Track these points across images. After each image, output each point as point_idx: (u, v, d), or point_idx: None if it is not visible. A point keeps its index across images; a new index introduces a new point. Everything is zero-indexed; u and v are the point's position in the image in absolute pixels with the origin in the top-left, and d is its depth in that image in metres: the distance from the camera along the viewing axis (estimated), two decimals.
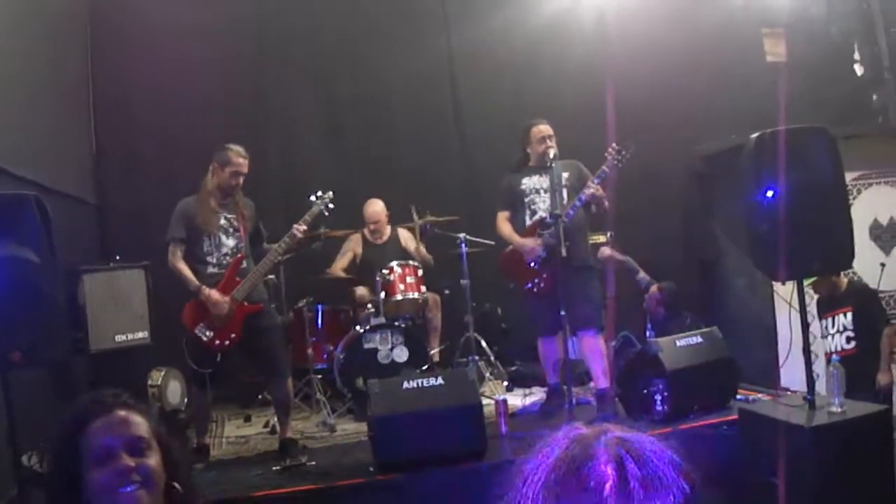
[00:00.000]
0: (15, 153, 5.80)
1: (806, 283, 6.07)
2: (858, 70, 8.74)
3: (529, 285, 6.43)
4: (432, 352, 7.50)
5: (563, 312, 5.79)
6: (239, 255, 5.88)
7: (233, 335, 5.75)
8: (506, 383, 7.79)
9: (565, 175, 6.32)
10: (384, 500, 5.15)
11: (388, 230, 7.97)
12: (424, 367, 6.92)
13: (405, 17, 9.13)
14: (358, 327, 7.09)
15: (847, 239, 4.86)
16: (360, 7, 8.97)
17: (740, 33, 8.69)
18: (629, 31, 8.63)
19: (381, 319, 7.04)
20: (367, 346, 6.96)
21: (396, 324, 7.04)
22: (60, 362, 5.61)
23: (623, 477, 1.24)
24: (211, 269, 5.85)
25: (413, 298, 7.30)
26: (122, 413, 2.15)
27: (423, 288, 7.40)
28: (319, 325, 7.48)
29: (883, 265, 7.40)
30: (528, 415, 6.67)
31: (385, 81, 8.97)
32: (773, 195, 4.72)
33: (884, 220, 7.79)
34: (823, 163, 4.82)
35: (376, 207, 7.84)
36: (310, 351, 7.11)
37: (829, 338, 6.56)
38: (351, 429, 6.64)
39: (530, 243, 6.36)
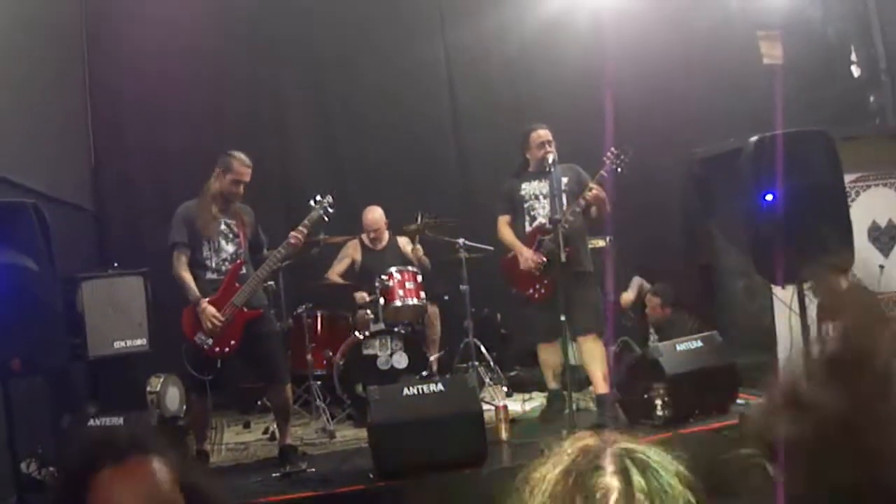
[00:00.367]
0: (14, 161, 5.80)
1: (807, 286, 6.07)
2: (855, 72, 8.74)
3: (530, 291, 6.42)
4: (432, 358, 7.48)
5: (563, 318, 5.77)
6: (238, 261, 5.87)
7: (232, 342, 5.73)
8: (505, 389, 7.78)
9: (564, 180, 6.30)
10: None
11: (386, 236, 7.95)
12: (424, 373, 6.91)
13: (401, 23, 9.15)
14: (357, 333, 7.07)
15: (847, 242, 4.86)
16: (356, 13, 8.97)
17: (736, 36, 8.69)
18: (625, 34, 8.63)
19: (381, 325, 7.03)
20: (366, 352, 6.95)
21: (396, 330, 7.03)
22: (59, 369, 5.60)
23: (628, 488, 1.24)
24: (210, 275, 5.84)
25: (412, 304, 7.27)
26: (138, 463, 1.76)
27: (423, 294, 7.38)
28: (319, 332, 7.47)
29: (882, 267, 7.39)
30: (528, 421, 6.65)
31: (382, 87, 8.97)
32: (773, 199, 4.72)
33: (882, 222, 7.78)
34: (822, 166, 4.83)
35: (375, 215, 7.82)
36: (309, 357, 7.09)
37: None
38: (350, 435, 6.63)
39: (528, 254, 6.34)
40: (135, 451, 1.76)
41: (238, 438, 6.99)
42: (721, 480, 1.35)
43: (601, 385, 6.36)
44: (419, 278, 7.41)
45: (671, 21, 8.58)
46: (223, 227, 5.88)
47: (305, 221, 5.97)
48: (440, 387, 5.42)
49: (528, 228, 6.45)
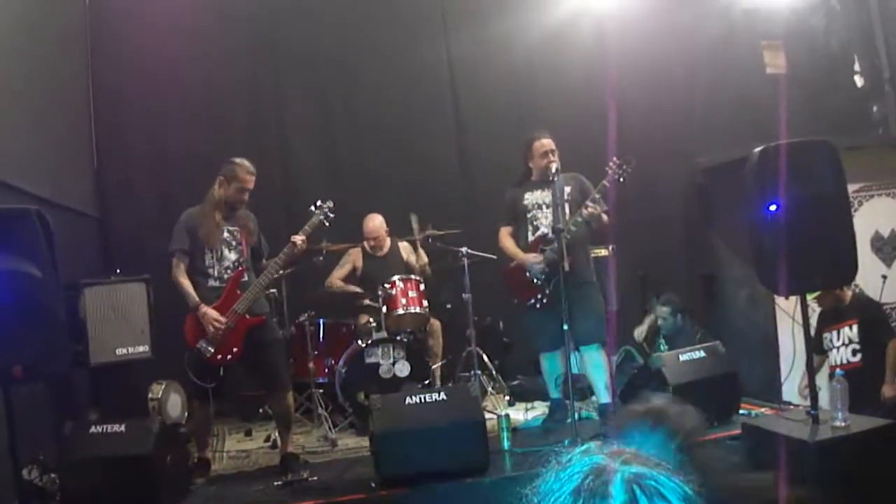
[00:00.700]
0: (17, 167, 5.80)
1: (810, 297, 6.07)
2: (858, 81, 8.75)
3: (532, 301, 6.42)
4: (434, 366, 7.46)
5: (565, 327, 5.77)
6: (240, 269, 5.87)
7: (235, 349, 5.73)
8: (508, 398, 7.77)
9: (567, 189, 6.30)
10: None
11: (388, 243, 7.93)
12: (426, 382, 6.90)
13: (404, 29, 9.14)
14: (360, 341, 7.06)
15: (850, 253, 4.86)
16: (359, 19, 8.96)
17: (740, 45, 8.70)
18: (629, 43, 8.64)
19: (383, 334, 7.02)
20: (368, 360, 6.94)
21: (398, 338, 7.02)
22: (61, 376, 5.60)
23: None
24: (212, 283, 5.84)
25: (415, 313, 7.26)
26: None
27: (425, 302, 7.38)
28: (321, 340, 7.46)
29: (885, 277, 7.39)
30: (530, 430, 6.64)
31: (384, 94, 8.97)
32: (776, 209, 4.72)
33: (885, 233, 7.78)
34: (826, 176, 4.82)
35: (375, 223, 7.80)
36: (311, 365, 7.09)
37: (835, 351, 6.54)
38: (352, 443, 6.62)
39: (532, 258, 6.34)
40: None
41: (240, 446, 6.98)
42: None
43: (603, 394, 6.36)
44: (422, 287, 7.41)
45: (675, 30, 8.59)
46: (226, 234, 5.89)
47: (306, 227, 5.97)
48: (442, 396, 5.42)
49: (530, 238, 6.45)
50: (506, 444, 5.89)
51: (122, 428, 5.17)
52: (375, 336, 7.01)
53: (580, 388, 6.83)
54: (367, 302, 7.56)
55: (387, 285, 7.20)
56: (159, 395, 7.08)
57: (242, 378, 6.45)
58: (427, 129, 9.16)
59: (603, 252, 7.83)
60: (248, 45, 8.72)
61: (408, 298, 7.26)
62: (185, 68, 8.19)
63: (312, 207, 6.08)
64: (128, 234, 8.20)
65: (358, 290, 7.67)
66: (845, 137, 6.99)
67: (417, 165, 8.92)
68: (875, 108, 8.64)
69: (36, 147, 6.49)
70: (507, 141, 7.58)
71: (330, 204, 6.07)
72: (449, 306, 8.13)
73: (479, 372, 7.50)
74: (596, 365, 6.36)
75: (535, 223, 6.45)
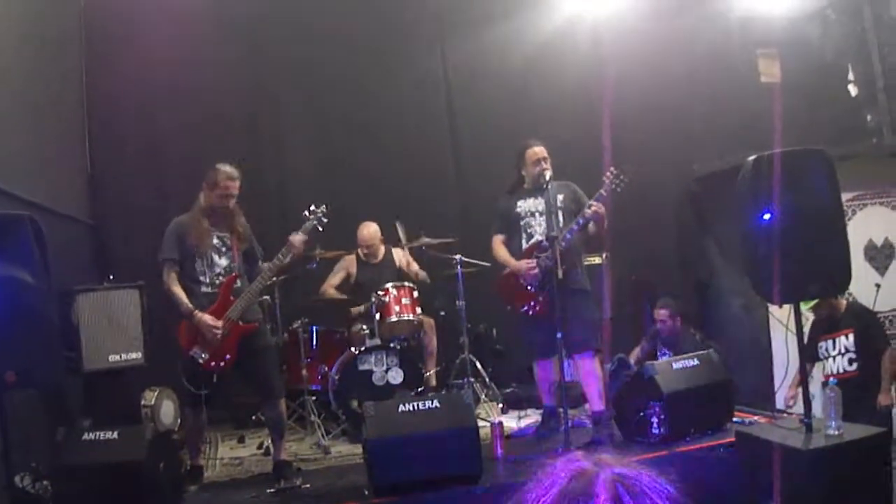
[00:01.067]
0: (10, 172, 5.79)
1: (806, 306, 6.08)
2: (853, 91, 8.75)
3: (525, 308, 6.42)
4: (427, 374, 7.46)
5: (559, 335, 5.77)
6: (233, 274, 5.86)
7: (228, 356, 5.71)
8: (501, 405, 7.76)
9: (560, 197, 6.30)
10: None
11: (382, 251, 7.93)
12: (419, 390, 6.90)
13: (400, 38, 9.15)
14: (353, 349, 7.06)
15: (844, 261, 4.87)
16: (355, 27, 8.95)
17: (735, 54, 8.71)
18: (625, 51, 8.65)
19: (377, 341, 7.02)
20: (361, 367, 6.94)
21: (391, 345, 7.02)
22: (54, 383, 5.58)
23: None
24: (204, 289, 5.82)
25: (408, 320, 7.27)
26: None
27: (419, 310, 7.38)
28: (314, 347, 7.45)
29: (878, 286, 7.39)
30: (523, 437, 6.64)
31: (380, 101, 8.98)
32: (770, 217, 4.72)
33: (878, 241, 7.79)
34: (820, 185, 4.83)
35: (370, 230, 7.81)
36: (304, 372, 7.07)
37: (830, 360, 6.55)
38: (345, 451, 6.60)
39: (525, 266, 6.34)
40: None
41: (232, 453, 6.96)
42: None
43: (597, 402, 6.36)
44: (415, 294, 7.41)
45: (671, 38, 8.59)
46: (216, 241, 5.87)
47: (300, 232, 5.96)
48: (436, 403, 5.41)
49: (524, 245, 6.45)
50: (499, 452, 5.89)
51: (115, 435, 5.15)
52: (369, 343, 7.01)
53: (573, 395, 6.83)
54: (356, 311, 7.56)
55: (380, 292, 7.21)
56: (152, 402, 7.06)
57: (235, 385, 6.43)
58: (422, 136, 9.17)
59: (597, 260, 7.84)
60: (244, 52, 8.70)
61: (401, 305, 7.27)
62: (181, 74, 8.18)
63: (306, 213, 6.07)
64: (121, 241, 8.17)
65: (344, 297, 7.70)
66: (839, 146, 7.01)
67: (412, 173, 8.93)
68: (869, 118, 8.65)
69: (29, 152, 6.48)
70: (503, 149, 7.57)
71: (324, 209, 6.06)
72: (443, 314, 8.13)
73: (472, 379, 7.50)
74: (589, 373, 6.37)
75: (528, 231, 6.45)
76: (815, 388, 6.32)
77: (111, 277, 7.05)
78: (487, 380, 7.93)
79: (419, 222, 7.98)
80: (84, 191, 8.22)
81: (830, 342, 6.56)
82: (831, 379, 5.51)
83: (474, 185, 9.03)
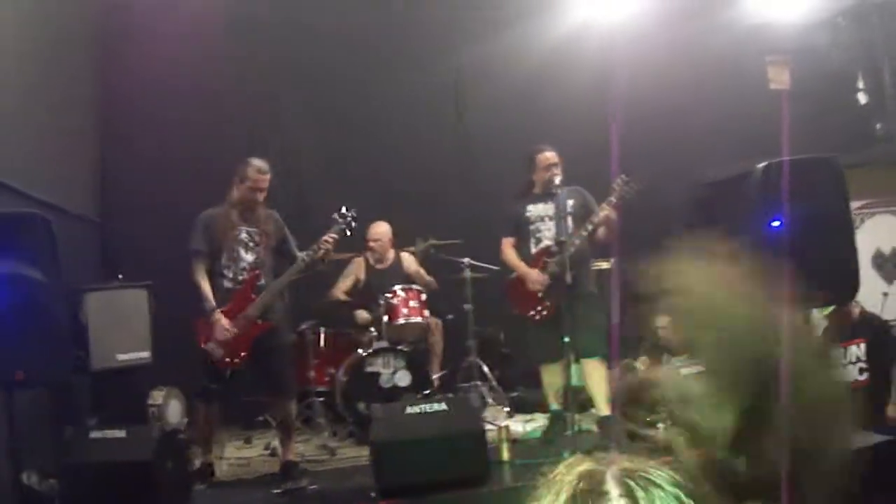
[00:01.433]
0: (21, 171, 5.81)
1: (821, 312, 6.08)
2: (862, 99, 8.76)
3: (533, 312, 6.42)
4: (434, 377, 7.47)
5: (566, 339, 5.76)
6: (256, 271, 5.88)
7: (242, 353, 5.74)
8: (507, 409, 7.74)
9: (570, 202, 6.30)
10: None
11: (391, 254, 7.93)
12: (426, 392, 6.90)
13: (411, 43, 9.14)
14: (360, 351, 7.06)
15: (852, 269, 4.87)
16: (367, 33, 8.97)
17: (744, 61, 8.69)
18: (635, 57, 8.63)
19: (384, 343, 7.03)
20: (369, 369, 6.94)
21: (399, 348, 7.02)
22: (62, 381, 5.60)
23: None
24: (228, 284, 5.86)
25: (416, 322, 7.27)
26: None
27: (427, 312, 7.38)
28: (322, 348, 7.46)
29: (885, 294, 7.40)
30: (530, 441, 6.64)
31: (390, 105, 8.97)
32: (779, 225, 4.73)
33: (886, 250, 7.79)
34: (830, 193, 4.85)
35: (381, 228, 7.80)
36: (312, 373, 7.09)
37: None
38: (352, 452, 6.61)
39: (534, 276, 6.34)
40: None
41: (239, 454, 6.97)
42: None
43: (603, 407, 6.36)
44: (423, 297, 7.41)
45: (681, 45, 8.59)
46: (243, 235, 5.90)
47: (331, 232, 5.99)
48: (443, 406, 5.42)
49: (533, 250, 6.46)
50: (505, 456, 5.89)
51: (123, 434, 5.17)
52: (376, 345, 7.02)
53: (580, 400, 6.82)
54: (363, 320, 7.56)
55: (388, 294, 7.21)
56: (159, 402, 7.06)
57: (247, 384, 6.43)
58: (432, 141, 9.15)
59: (605, 265, 7.82)
60: (256, 56, 8.71)
61: (409, 308, 7.27)
62: (194, 76, 8.19)
63: (335, 215, 6.10)
64: (129, 240, 8.18)
65: (351, 299, 7.70)
66: (848, 155, 6.99)
67: (422, 177, 8.91)
68: (878, 126, 8.66)
69: (41, 151, 6.50)
70: (513, 153, 7.55)
71: (353, 213, 6.10)
72: (450, 317, 8.12)
73: (479, 383, 7.50)
74: (596, 377, 6.36)
75: (537, 235, 6.46)
76: None
77: (120, 277, 7.06)
78: (494, 383, 7.92)
79: (428, 225, 7.99)
80: (93, 190, 8.24)
81: (841, 351, 6.55)
82: None
83: (483, 189, 9.00)
